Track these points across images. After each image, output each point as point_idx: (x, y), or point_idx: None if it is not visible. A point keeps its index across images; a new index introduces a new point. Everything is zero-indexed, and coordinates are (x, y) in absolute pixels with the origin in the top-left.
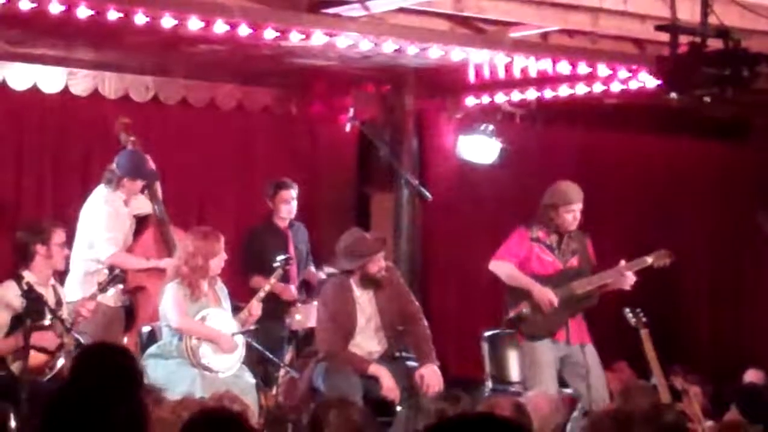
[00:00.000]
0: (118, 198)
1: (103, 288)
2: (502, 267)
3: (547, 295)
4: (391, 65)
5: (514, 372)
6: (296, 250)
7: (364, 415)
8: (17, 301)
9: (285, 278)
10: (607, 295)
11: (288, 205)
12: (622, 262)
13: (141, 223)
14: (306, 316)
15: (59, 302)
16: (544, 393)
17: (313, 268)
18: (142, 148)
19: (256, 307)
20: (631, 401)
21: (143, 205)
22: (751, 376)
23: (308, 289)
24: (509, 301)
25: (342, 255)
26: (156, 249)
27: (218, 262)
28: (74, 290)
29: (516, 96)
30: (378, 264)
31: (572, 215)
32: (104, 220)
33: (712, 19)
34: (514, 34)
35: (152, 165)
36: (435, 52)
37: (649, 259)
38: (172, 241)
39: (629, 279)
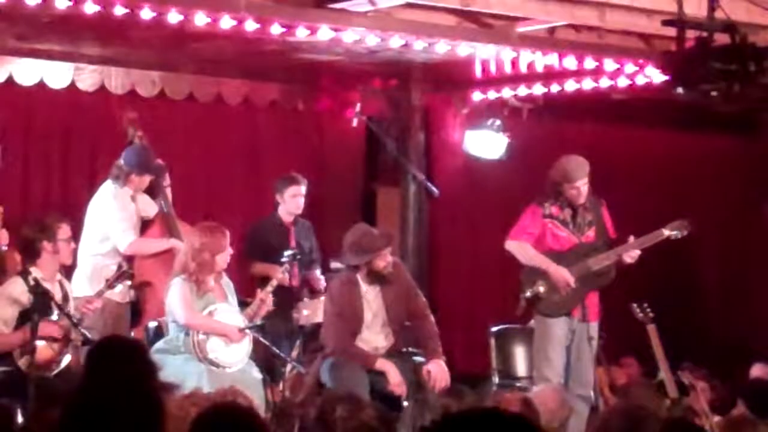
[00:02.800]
0: (125, 193)
1: (110, 284)
2: (518, 246)
3: (564, 275)
4: (397, 60)
5: (521, 367)
6: (298, 246)
7: (374, 409)
8: (24, 297)
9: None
10: (614, 288)
11: (296, 200)
12: (631, 238)
13: (147, 222)
14: (313, 312)
15: (66, 297)
16: (551, 387)
17: (318, 272)
18: (149, 143)
19: (269, 301)
20: (632, 398)
21: (148, 208)
22: (758, 371)
23: (311, 291)
24: (524, 280)
25: (349, 250)
26: None
27: (224, 257)
28: (82, 285)
29: (523, 91)
30: (385, 259)
31: (576, 191)
32: (116, 212)
33: (719, 14)
34: (521, 29)
35: (159, 160)
36: (442, 47)
37: (666, 231)
38: (179, 236)
39: (632, 253)
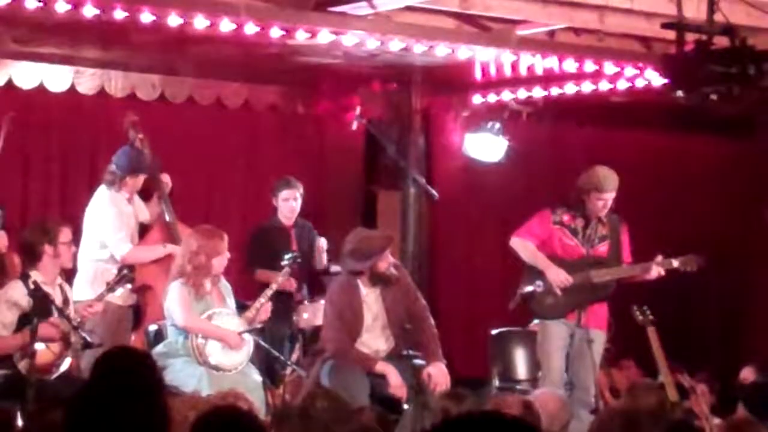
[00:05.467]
0: (121, 198)
1: (111, 288)
2: (521, 244)
3: (560, 276)
4: (397, 63)
5: (521, 370)
6: (299, 249)
7: (372, 412)
8: (24, 301)
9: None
10: (616, 291)
11: (288, 203)
12: (659, 257)
13: (146, 226)
14: (313, 315)
15: (66, 301)
16: (551, 390)
17: (323, 241)
18: (150, 146)
19: (266, 308)
20: (638, 399)
21: (142, 212)
22: (747, 374)
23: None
24: (524, 278)
25: (350, 257)
26: None
27: (221, 260)
28: (84, 289)
29: (522, 94)
30: (386, 260)
31: (603, 203)
32: (112, 220)
33: (719, 17)
34: (521, 32)
35: (149, 156)
36: (441, 51)
37: (675, 263)
38: (180, 239)
39: (654, 272)
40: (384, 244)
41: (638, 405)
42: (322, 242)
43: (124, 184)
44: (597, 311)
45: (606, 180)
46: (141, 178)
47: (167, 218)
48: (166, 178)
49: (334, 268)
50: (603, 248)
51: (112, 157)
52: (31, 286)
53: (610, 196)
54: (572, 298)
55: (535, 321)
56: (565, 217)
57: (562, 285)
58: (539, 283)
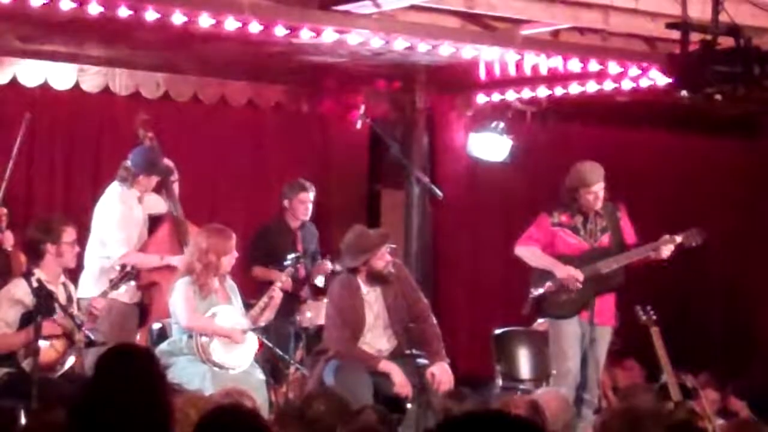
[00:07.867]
0: (132, 195)
1: (114, 285)
2: (526, 250)
3: (570, 272)
4: (401, 62)
5: (524, 370)
6: (304, 251)
7: (374, 411)
8: (27, 299)
9: (295, 276)
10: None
11: (305, 205)
12: (666, 236)
13: (156, 220)
14: (316, 314)
15: (70, 299)
16: (554, 390)
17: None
18: (158, 145)
19: (274, 304)
20: (632, 401)
21: (157, 205)
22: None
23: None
24: (533, 280)
25: (346, 253)
26: (170, 246)
27: (230, 259)
28: (89, 287)
29: (527, 93)
30: (383, 258)
31: (593, 196)
32: (117, 220)
33: (723, 17)
34: (525, 31)
35: (167, 160)
36: (446, 50)
37: (679, 238)
38: (188, 239)
39: (665, 251)
40: (379, 241)
41: (637, 406)
42: (328, 265)
43: (137, 182)
44: (605, 307)
45: (590, 174)
46: (154, 179)
47: (174, 214)
48: (174, 176)
49: (339, 267)
50: (605, 240)
51: (129, 154)
52: (35, 284)
53: (599, 188)
54: (584, 292)
55: (540, 320)
56: (563, 218)
57: (572, 280)
58: (549, 283)
